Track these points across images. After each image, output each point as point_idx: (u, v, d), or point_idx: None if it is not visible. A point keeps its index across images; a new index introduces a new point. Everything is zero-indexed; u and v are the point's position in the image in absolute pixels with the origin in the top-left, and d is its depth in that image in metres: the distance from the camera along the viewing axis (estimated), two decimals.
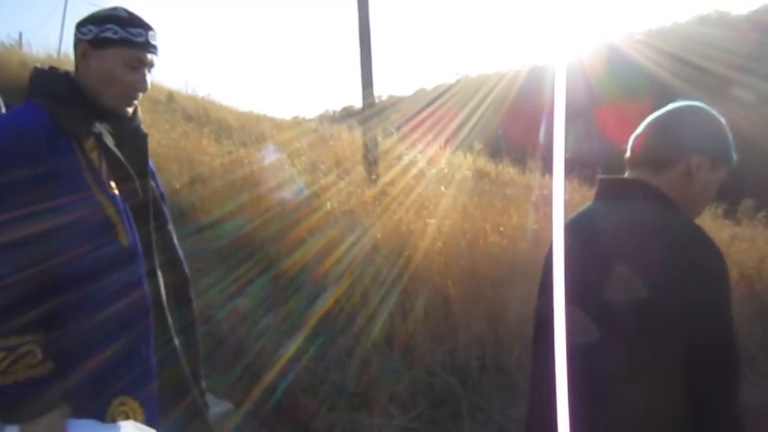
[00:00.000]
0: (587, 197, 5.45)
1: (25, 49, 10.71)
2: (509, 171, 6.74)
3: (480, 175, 6.05)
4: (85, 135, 1.32)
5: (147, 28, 1.39)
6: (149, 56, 1.39)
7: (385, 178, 4.77)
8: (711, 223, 5.19)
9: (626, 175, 1.30)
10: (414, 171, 4.92)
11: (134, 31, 1.36)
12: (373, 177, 4.86)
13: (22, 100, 1.40)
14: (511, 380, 2.95)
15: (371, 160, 5.00)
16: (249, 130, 6.89)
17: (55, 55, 10.42)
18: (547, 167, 5.29)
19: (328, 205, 4.03)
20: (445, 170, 5.21)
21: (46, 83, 1.38)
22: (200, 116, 7.72)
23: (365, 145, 5.13)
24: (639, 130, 1.31)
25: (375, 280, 3.28)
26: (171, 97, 8.87)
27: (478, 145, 6.62)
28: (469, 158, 6.54)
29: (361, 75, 5.11)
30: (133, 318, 1.30)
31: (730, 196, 5.60)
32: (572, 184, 5.52)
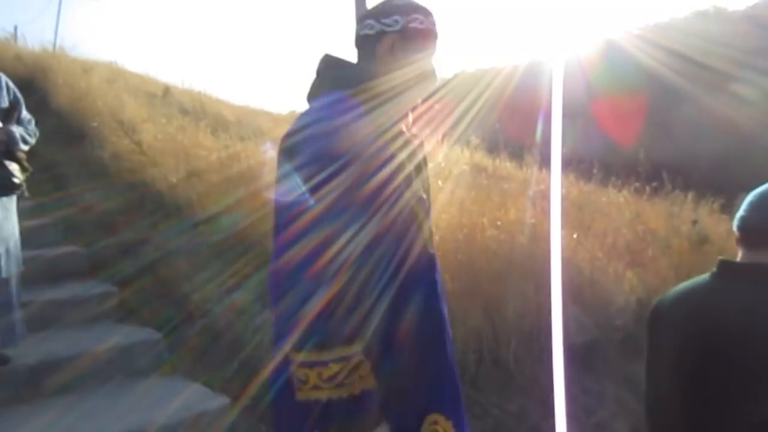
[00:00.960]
0: (584, 192, 5.41)
1: (20, 42, 10.65)
2: (506, 166, 6.74)
3: (477, 169, 6.05)
4: (395, 133, 1.24)
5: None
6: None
7: None
8: (708, 217, 5.20)
9: (745, 257, 1.36)
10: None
11: (433, 20, 1.31)
12: None
13: (317, 90, 1.32)
14: (508, 374, 2.96)
15: None
16: (246, 124, 6.87)
17: (50, 49, 10.37)
18: (545, 162, 5.29)
19: None
20: (443, 165, 5.21)
21: (352, 75, 1.29)
22: (196, 110, 7.69)
23: None
24: (751, 210, 1.36)
25: None
26: (167, 90, 8.83)
27: (475, 140, 6.61)
28: (467, 153, 6.53)
29: None
30: (438, 327, 1.23)
31: (727, 191, 5.60)
32: (569, 179, 5.53)
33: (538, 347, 3.04)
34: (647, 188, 5.37)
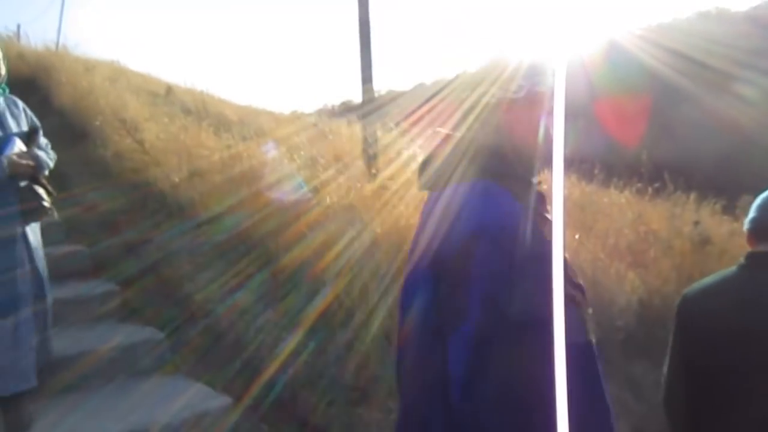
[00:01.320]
0: (586, 192, 5.40)
1: (23, 41, 10.65)
2: None
3: None
4: (528, 201, 1.16)
5: None
6: None
7: (385, 173, 4.77)
8: (709, 219, 5.19)
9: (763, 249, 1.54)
10: (414, 166, 4.91)
11: (551, 76, 1.20)
12: (373, 172, 4.85)
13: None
14: None
15: (371, 155, 4.99)
16: (248, 124, 6.87)
17: (53, 48, 10.38)
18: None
19: (328, 200, 4.02)
20: None
21: (492, 162, 1.19)
22: (199, 110, 7.70)
23: (365, 140, 5.12)
24: (761, 211, 1.57)
25: (374, 275, 3.28)
26: (169, 90, 8.84)
27: None
28: None
29: (361, 70, 5.10)
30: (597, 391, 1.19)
31: (729, 192, 5.60)
32: (571, 180, 5.52)
33: None
34: (649, 189, 5.36)
